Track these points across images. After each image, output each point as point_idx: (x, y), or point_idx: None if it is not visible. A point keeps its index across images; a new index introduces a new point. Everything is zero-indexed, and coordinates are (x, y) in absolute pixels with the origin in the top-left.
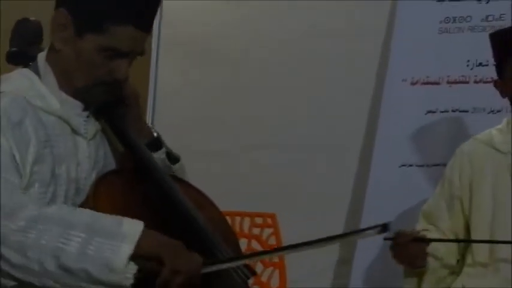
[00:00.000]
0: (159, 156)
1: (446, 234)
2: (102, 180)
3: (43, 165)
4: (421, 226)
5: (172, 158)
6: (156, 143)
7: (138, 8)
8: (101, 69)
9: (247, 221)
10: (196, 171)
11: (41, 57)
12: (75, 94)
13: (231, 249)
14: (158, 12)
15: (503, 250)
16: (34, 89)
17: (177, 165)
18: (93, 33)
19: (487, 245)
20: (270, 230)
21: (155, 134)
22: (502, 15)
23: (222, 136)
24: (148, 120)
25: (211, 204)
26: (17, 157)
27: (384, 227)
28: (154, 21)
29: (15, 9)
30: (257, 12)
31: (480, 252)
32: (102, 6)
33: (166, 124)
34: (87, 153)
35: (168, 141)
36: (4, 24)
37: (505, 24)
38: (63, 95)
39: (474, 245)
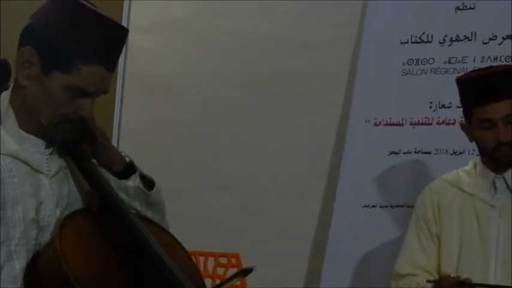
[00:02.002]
0: (134, 181)
1: (434, 274)
2: (68, 220)
3: None
4: (406, 271)
5: (147, 181)
6: (130, 169)
7: (106, 47)
8: (66, 107)
9: (211, 261)
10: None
11: (4, 97)
12: (38, 132)
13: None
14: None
15: None
16: None
17: (154, 190)
18: (61, 71)
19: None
20: (234, 270)
21: (127, 159)
22: (464, 58)
23: (183, 175)
24: None
25: (179, 245)
26: None
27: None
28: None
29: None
30: (220, 52)
31: None
32: (71, 46)
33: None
34: (50, 190)
35: None
36: (4, 25)
37: (467, 66)
38: (25, 134)
39: None
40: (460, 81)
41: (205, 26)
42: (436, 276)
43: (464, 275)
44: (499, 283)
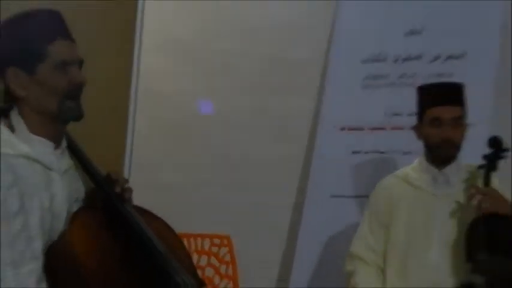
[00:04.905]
0: None
1: (381, 255)
2: (76, 216)
3: (9, 204)
4: (357, 251)
5: None
6: None
7: (54, 26)
8: (62, 82)
9: (207, 242)
10: (166, 202)
11: (13, 112)
12: (48, 134)
13: (186, 269)
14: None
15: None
16: (4, 140)
17: None
18: (39, 62)
19: (402, 258)
20: (226, 249)
21: None
22: (413, 74)
23: (183, 170)
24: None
25: (171, 232)
26: None
27: None
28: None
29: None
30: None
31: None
32: (30, 42)
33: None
34: (60, 185)
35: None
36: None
37: (416, 81)
38: (35, 138)
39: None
40: (420, 88)
41: (200, 46)
42: (381, 257)
43: (410, 256)
44: (440, 263)
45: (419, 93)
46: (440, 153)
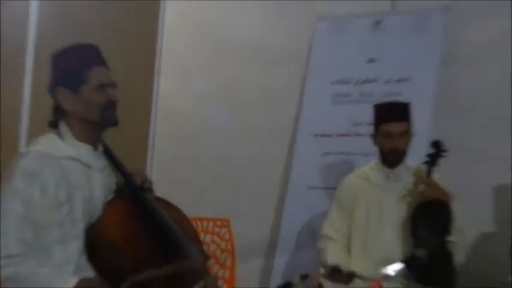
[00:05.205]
0: None
1: (345, 236)
2: (109, 203)
3: (59, 194)
4: (326, 232)
5: None
6: None
7: (91, 55)
8: (100, 99)
9: (211, 224)
10: (179, 193)
11: (61, 124)
12: (89, 140)
13: (195, 246)
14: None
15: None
16: (55, 145)
17: None
18: (82, 83)
19: (361, 238)
20: (226, 229)
21: None
22: (371, 93)
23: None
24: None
25: (183, 215)
26: (34, 196)
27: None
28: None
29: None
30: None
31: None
32: (76, 70)
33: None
34: (98, 180)
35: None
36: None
37: (374, 99)
38: (79, 143)
39: (353, 240)
40: (375, 106)
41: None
42: (345, 237)
43: (368, 235)
44: (391, 240)
45: (374, 110)
46: (391, 159)
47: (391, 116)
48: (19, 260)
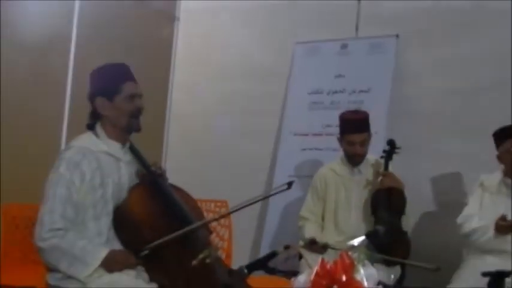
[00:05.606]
0: None
1: (320, 217)
2: (133, 188)
3: (95, 180)
4: (303, 213)
5: None
6: None
7: (123, 72)
8: (130, 107)
9: (213, 204)
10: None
11: (97, 124)
12: (118, 138)
13: (200, 220)
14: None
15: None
16: (93, 142)
17: None
18: (116, 94)
19: (333, 218)
20: (225, 209)
21: None
22: (339, 102)
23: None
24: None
25: (191, 198)
26: (76, 181)
27: (289, 184)
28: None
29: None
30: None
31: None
32: (117, 78)
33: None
34: (125, 170)
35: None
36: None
37: (341, 106)
38: (111, 141)
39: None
40: (340, 119)
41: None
42: (320, 217)
43: (338, 216)
44: (357, 219)
45: (340, 121)
46: (353, 160)
47: (353, 128)
48: (62, 233)
